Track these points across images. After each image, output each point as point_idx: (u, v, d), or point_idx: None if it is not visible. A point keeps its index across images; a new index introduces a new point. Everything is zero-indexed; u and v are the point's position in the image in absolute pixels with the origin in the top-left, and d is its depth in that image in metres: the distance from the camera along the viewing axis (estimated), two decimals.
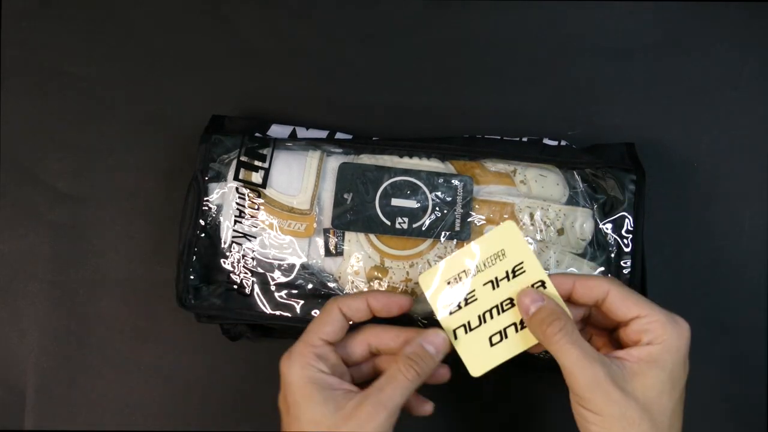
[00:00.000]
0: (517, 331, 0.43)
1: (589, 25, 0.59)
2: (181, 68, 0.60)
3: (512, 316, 0.43)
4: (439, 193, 0.51)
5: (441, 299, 0.44)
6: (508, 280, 0.44)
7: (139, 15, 0.60)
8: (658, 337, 0.40)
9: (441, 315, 0.44)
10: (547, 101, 0.58)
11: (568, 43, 0.59)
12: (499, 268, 0.44)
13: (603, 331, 0.44)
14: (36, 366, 0.57)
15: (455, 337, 0.44)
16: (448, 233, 0.50)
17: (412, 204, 0.51)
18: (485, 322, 0.44)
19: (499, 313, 0.44)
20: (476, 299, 0.44)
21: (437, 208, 0.50)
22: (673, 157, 0.57)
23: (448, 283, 0.44)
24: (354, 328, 0.45)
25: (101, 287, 0.57)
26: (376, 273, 0.50)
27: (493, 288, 0.44)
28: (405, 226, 0.50)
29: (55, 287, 0.57)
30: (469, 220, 0.50)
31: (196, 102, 0.59)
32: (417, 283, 0.49)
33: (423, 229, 0.50)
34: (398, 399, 0.41)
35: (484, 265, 0.44)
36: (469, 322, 0.44)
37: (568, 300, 0.44)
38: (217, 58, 0.60)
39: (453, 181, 0.51)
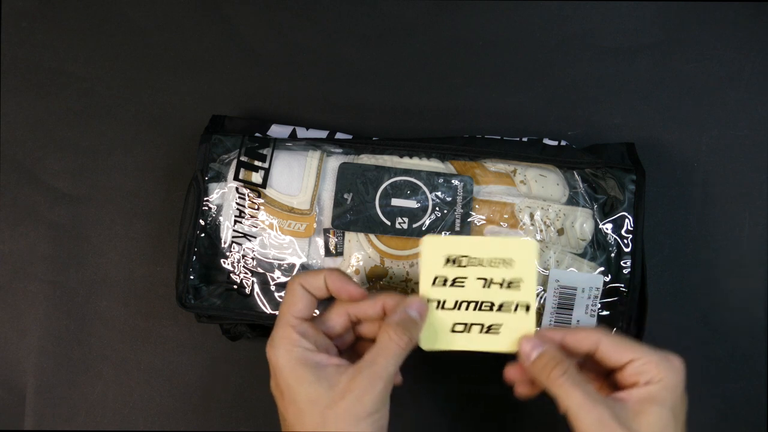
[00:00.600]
0: (481, 332, 0.45)
1: (589, 25, 0.59)
2: (181, 68, 0.60)
3: (485, 318, 0.45)
4: (439, 193, 0.51)
5: (433, 267, 0.45)
6: (501, 287, 0.45)
7: (139, 15, 0.60)
8: (655, 376, 0.41)
9: (424, 281, 0.45)
10: (547, 101, 0.58)
11: (568, 43, 0.59)
12: (499, 272, 0.45)
13: (599, 375, 0.45)
14: (36, 366, 0.57)
15: (433, 305, 0.45)
16: (448, 233, 0.50)
17: (412, 204, 0.51)
18: (458, 309, 0.45)
19: (474, 309, 0.45)
20: (463, 286, 0.45)
21: (437, 208, 0.50)
22: (673, 157, 0.57)
23: (448, 259, 0.45)
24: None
25: (101, 287, 0.57)
26: (376, 273, 0.50)
27: (484, 286, 0.45)
28: (405, 226, 0.50)
29: (55, 287, 0.57)
30: (469, 220, 0.50)
31: (196, 102, 0.59)
32: (417, 283, 0.49)
33: (423, 229, 0.50)
34: (392, 368, 0.41)
35: (490, 263, 0.45)
36: (444, 301, 0.45)
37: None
38: (217, 58, 0.60)
39: (453, 181, 0.51)
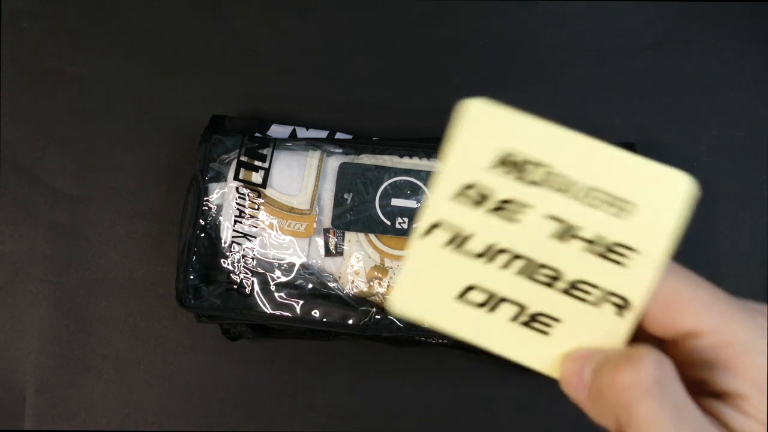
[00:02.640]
0: (514, 320, 0.24)
1: (589, 25, 0.59)
2: (181, 68, 0.60)
3: (535, 297, 0.24)
4: None
5: (466, 160, 0.24)
6: (590, 249, 0.24)
7: (139, 15, 0.60)
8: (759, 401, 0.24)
9: (443, 182, 0.24)
10: (546, 101, 0.58)
11: (568, 43, 0.59)
12: (599, 219, 0.24)
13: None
14: (36, 366, 0.57)
15: (425, 234, 0.24)
16: None
17: (412, 204, 0.51)
18: (489, 261, 0.24)
19: (521, 274, 0.24)
20: (515, 222, 0.24)
21: None
22: (673, 157, 0.57)
23: (502, 160, 0.24)
24: None
25: (101, 287, 0.57)
26: (376, 273, 0.50)
27: (557, 236, 0.24)
28: (405, 226, 0.50)
29: (55, 287, 0.57)
30: None
31: (196, 102, 0.59)
32: None
33: None
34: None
35: (586, 193, 0.24)
36: (466, 238, 0.24)
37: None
38: (217, 58, 0.60)
39: None
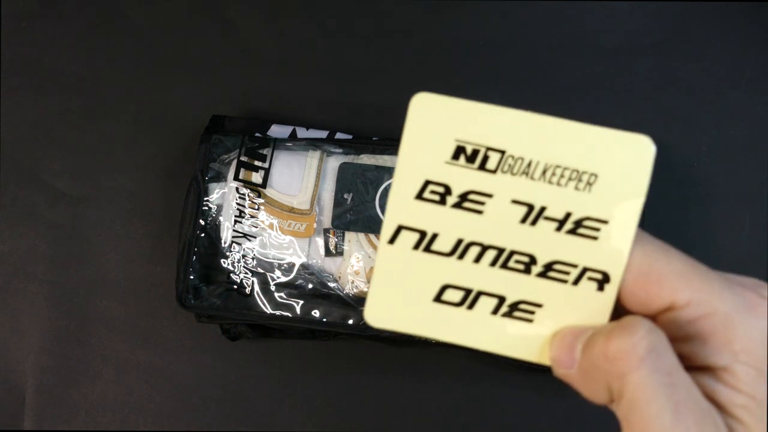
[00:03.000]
0: (495, 312, 0.24)
1: (589, 25, 0.59)
2: (181, 68, 0.60)
3: (512, 285, 0.23)
4: None
5: (422, 158, 0.24)
6: (560, 228, 0.23)
7: (139, 15, 0.60)
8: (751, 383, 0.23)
9: (399, 185, 0.24)
10: (547, 101, 0.58)
11: (568, 43, 0.59)
12: (564, 196, 0.23)
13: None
14: (36, 366, 0.57)
15: (390, 240, 0.24)
16: None
17: None
18: (461, 257, 0.23)
19: (495, 264, 0.23)
20: (480, 213, 0.23)
21: None
22: (673, 157, 0.57)
23: (460, 149, 0.23)
24: None
25: (101, 287, 0.57)
26: None
27: (525, 220, 0.23)
28: None
29: (55, 287, 0.57)
30: None
31: (196, 102, 0.59)
32: None
33: None
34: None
35: (547, 172, 0.23)
36: (434, 236, 0.23)
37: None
38: (217, 58, 0.60)
39: None
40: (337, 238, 0.51)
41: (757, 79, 0.58)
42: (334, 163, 0.52)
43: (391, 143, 0.52)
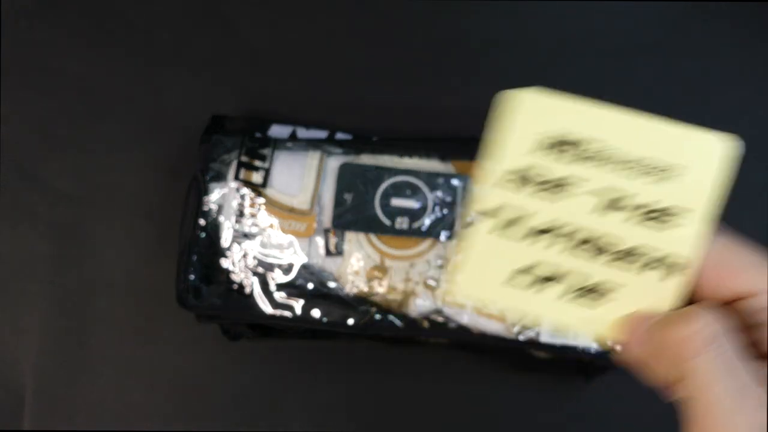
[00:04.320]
0: (564, 296, 0.26)
1: (589, 25, 0.59)
2: (181, 68, 0.60)
3: (582, 272, 0.25)
4: (439, 193, 0.51)
5: (515, 146, 0.26)
6: (639, 218, 0.25)
7: (139, 15, 0.60)
8: None
9: (494, 170, 0.26)
10: None
11: (568, 43, 0.59)
12: (643, 188, 0.25)
13: None
14: (35, 366, 0.57)
15: (480, 221, 0.26)
16: (448, 233, 0.50)
17: (412, 204, 0.51)
18: (533, 243, 0.26)
19: (566, 251, 0.26)
20: (565, 198, 0.26)
21: (437, 208, 0.50)
22: None
23: (546, 142, 0.26)
24: None
25: (101, 287, 0.57)
26: (376, 273, 0.50)
27: (607, 208, 0.25)
28: (405, 226, 0.50)
29: (55, 287, 0.57)
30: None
31: (196, 102, 0.59)
32: (417, 283, 0.49)
33: (423, 229, 0.50)
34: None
35: (626, 164, 0.25)
36: (513, 221, 0.26)
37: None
38: (217, 58, 0.60)
39: (453, 181, 0.51)
40: (337, 238, 0.51)
41: (757, 79, 0.58)
42: (334, 164, 0.52)
43: (391, 143, 0.52)
